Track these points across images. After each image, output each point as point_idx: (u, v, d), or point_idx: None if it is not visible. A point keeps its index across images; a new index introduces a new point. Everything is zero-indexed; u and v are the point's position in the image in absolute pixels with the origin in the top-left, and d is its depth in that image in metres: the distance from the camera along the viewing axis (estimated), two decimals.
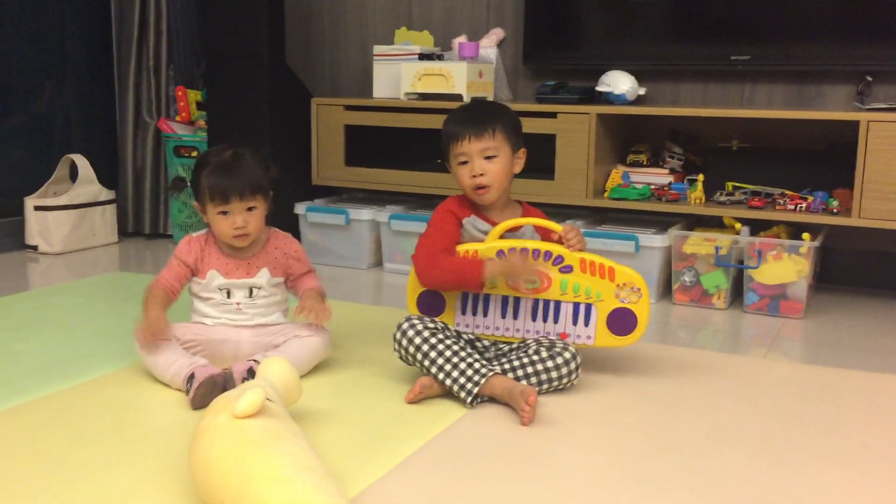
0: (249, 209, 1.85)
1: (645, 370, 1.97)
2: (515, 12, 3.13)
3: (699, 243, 2.54)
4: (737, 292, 2.61)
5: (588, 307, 1.85)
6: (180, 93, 3.44)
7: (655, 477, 1.43)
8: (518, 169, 1.91)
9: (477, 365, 1.72)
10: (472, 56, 2.97)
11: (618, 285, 1.83)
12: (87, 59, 3.50)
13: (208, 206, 1.86)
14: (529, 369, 1.76)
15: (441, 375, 1.72)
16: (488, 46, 3.10)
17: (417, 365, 1.77)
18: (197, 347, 1.86)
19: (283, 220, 2.88)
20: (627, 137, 2.93)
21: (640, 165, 2.83)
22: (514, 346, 1.86)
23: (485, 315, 1.88)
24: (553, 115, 2.74)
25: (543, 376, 1.76)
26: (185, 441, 1.39)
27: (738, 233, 2.54)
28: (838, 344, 2.24)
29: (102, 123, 3.56)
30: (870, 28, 2.60)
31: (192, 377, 1.71)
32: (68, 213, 3.22)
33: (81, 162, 3.31)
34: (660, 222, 2.82)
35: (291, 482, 1.14)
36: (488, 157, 1.84)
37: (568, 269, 1.84)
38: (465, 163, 1.85)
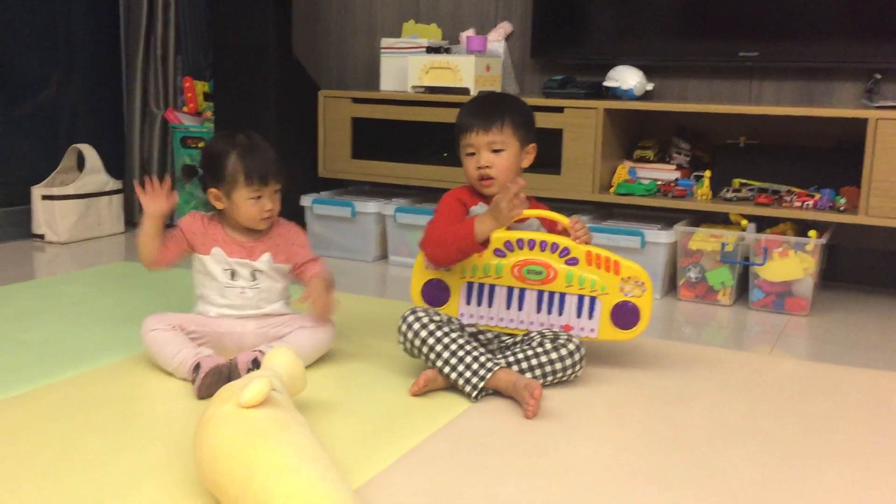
0: (276, 192, 1.88)
1: (650, 365, 1.97)
2: (523, 6, 3.13)
3: (705, 239, 2.54)
4: (742, 289, 2.61)
5: (592, 300, 1.85)
6: (188, 84, 3.45)
7: (659, 471, 1.43)
8: (526, 164, 1.91)
9: (482, 359, 1.72)
10: (480, 50, 2.96)
11: (622, 279, 1.83)
12: (95, 49, 3.50)
13: (239, 191, 1.85)
14: (534, 361, 1.76)
15: (446, 369, 1.72)
16: (496, 40, 3.10)
17: (422, 358, 1.77)
18: (201, 339, 1.86)
19: (289, 212, 2.86)
20: (634, 133, 2.93)
21: (647, 161, 2.83)
22: (519, 339, 1.86)
23: (489, 306, 1.88)
24: (560, 109, 2.73)
25: (547, 368, 1.76)
26: (190, 430, 1.39)
27: (744, 229, 2.53)
28: (844, 341, 2.24)
29: (110, 114, 3.57)
30: (879, 25, 2.59)
31: (197, 367, 1.71)
32: (75, 203, 3.23)
33: (89, 152, 3.32)
34: (666, 218, 2.81)
35: (296, 472, 1.14)
36: (495, 151, 1.85)
37: (573, 262, 1.84)
38: (472, 154, 1.87)
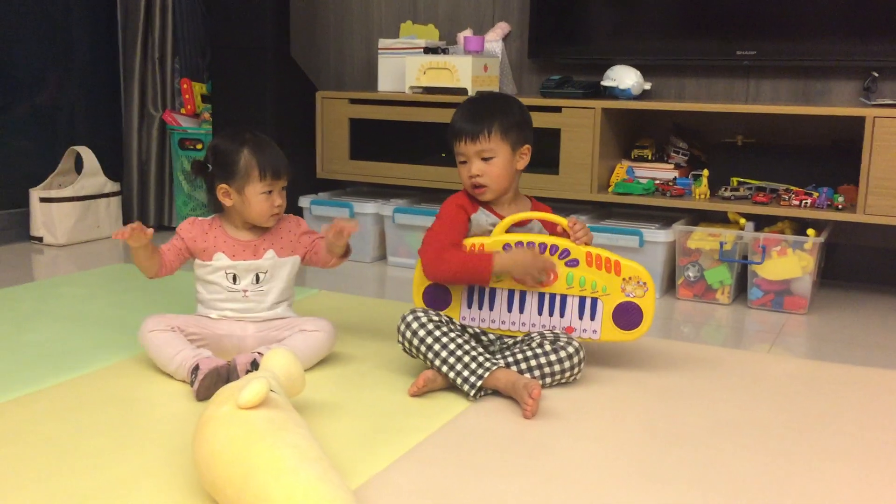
0: (283, 188, 1.90)
1: (648, 365, 1.97)
2: (521, 6, 3.13)
3: (703, 238, 2.54)
4: (741, 288, 2.61)
5: (594, 301, 1.85)
6: (185, 85, 3.45)
7: (658, 470, 1.43)
8: (521, 166, 1.88)
9: (481, 358, 1.72)
10: (478, 50, 2.96)
11: (623, 279, 1.83)
12: (93, 50, 3.50)
13: (252, 185, 1.85)
14: (533, 362, 1.76)
15: (445, 368, 1.72)
16: (493, 40, 3.10)
17: (421, 358, 1.77)
18: (201, 342, 1.86)
19: (288, 213, 2.88)
20: (632, 132, 2.93)
21: (645, 160, 2.83)
22: (519, 339, 1.86)
23: (491, 308, 1.88)
24: (558, 109, 2.74)
25: (547, 370, 1.76)
26: (188, 432, 1.39)
27: (742, 228, 2.53)
28: (842, 340, 2.24)
29: (107, 115, 3.57)
30: (876, 24, 2.59)
31: (196, 368, 1.71)
32: (73, 205, 3.23)
33: (86, 154, 3.32)
34: (664, 217, 2.82)
35: (295, 473, 1.14)
36: (485, 159, 1.83)
37: (574, 263, 1.84)
38: (464, 162, 1.86)
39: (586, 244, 1.84)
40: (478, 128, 1.82)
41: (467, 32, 3.15)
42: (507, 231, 1.85)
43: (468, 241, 1.85)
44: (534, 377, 1.75)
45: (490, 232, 1.86)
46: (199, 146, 3.34)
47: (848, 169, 2.51)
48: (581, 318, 1.85)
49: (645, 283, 1.83)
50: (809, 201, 2.50)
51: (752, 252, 2.48)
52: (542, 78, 3.03)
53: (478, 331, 1.88)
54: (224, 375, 1.70)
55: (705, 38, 2.84)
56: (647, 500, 1.33)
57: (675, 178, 2.74)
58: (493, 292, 1.87)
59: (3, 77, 3.19)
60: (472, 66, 2.86)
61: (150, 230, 1.83)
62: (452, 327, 1.79)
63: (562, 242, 1.83)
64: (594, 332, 1.86)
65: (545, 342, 1.79)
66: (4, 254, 3.07)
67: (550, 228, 1.92)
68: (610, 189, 2.76)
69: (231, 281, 1.89)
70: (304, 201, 3.08)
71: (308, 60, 3.50)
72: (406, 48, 3.07)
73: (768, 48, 2.72)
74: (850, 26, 2.64)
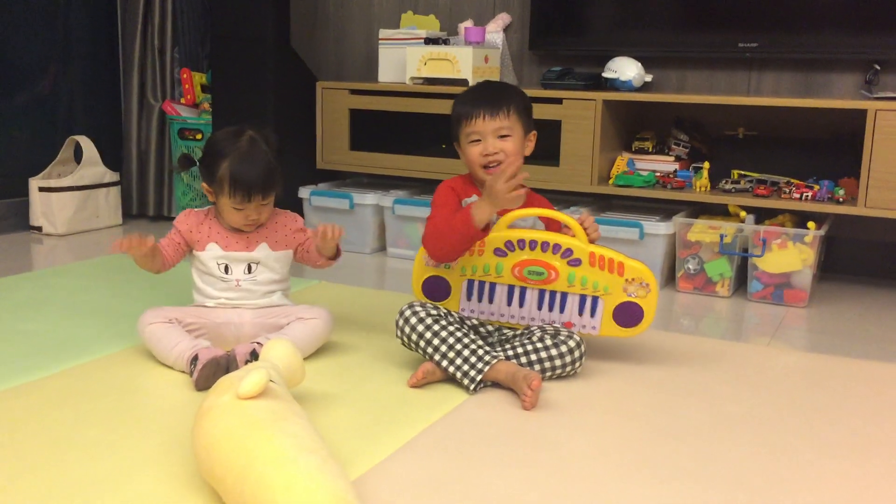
0: (263, 204, 1.88)
1: (648, 357, 1.97)
2: None
3: (704, 231, 2.54)
4: (741, 280, 2.61)
5: (595, 299, 1.83)
6: (185, 75, 3.44)
7: (657, 463, 1.43)
8: (528, 152, 1.89)
9: (480, 352, 1.72)
10: (478, 41, 2.95)
11: (626, 280, 1.81)
12: (93, 40, 3.49)
13: (224, 198, 1.86)
14: (533, 356, 1.76)
15: (444, 363, 1.72)
16: (494, 31, 3.09)
17: (419, 351, 1.76)
18: (199, 330, 1.86)
19: (287, 203, 2.87)
20: (633, 124, 2.92)
21: (646, 152, 2.83)
22: (519, 332, 1.86)
23: (490, 301, 1.87)
24: (559, 101, 2.73)
25: (547, 364, 1.76)
26: (188, 422, 1.39)
27: (742, 221, 2.53)
28: (842, 333, 2.24)
29: (107, 105, 3.56)
30: (879, 16, 2.58)
31: (195, 359, 1.71)
32: (72, 195, 3.22)
33: (86, 143, 3.31)
34: (664, 210, 2.81)
35: (295, 463, 1.14)
36: (502, 136, 1.82)
37: (576, 263, 1.82)
38: (477, 141, 1.83)
39: (593, 241, 1.83)
40: (498, 105, 1.81)
41: (468, 23, 3.14)
42: (508, 227, 1.84)
43: None
44: (534, 370, 1.74)
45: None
46: (199, 136, 3.33)
47: (849, 162, 2.50)
48: (581, 314, 1.84)
49: (648, 284, 1.81)
50: (810, 194, 2.50)
51: (753, 245, 2.48)
52: (543, 69, 3.02)
53: (476, 322, 1.88)
54: (223, 365, 1.70)
55: (707, 29, 2.83)
56: (645, 493, 1.33)
57: (675, 171, 2.74)
58: (492, 286, 1.86)
59: (3, 66, 3.18)
60: (473, 57, 2.86)
61: (150, 239, 1.84)
62: (451, 319, 1.78)
63: (564, 241, 1.81)
64: (593, 328, 1.85)
65: (546, 336, 1.78)
66: (3, 243, 3.06)
67: (551, 225, 1.91)
68: (610, 181, 2.75)
69: (223, 271, 1.90)
70: (303, 192, 3.08)
71: (308, 50, 3.49)
72: (407, 39, 3.06)
73: (770, 40, 2.71)
74: (853, 19, 2.63)
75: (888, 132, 2.36)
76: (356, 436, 1.50)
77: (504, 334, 1.88)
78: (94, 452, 1.41)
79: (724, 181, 2.65)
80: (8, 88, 3.22)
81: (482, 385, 1.72)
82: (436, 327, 1.74)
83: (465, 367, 1.70)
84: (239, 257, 1.90)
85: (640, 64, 2.78)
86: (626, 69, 2.77)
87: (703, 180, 2.63)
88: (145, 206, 3.53)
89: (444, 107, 2.84)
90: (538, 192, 1.98)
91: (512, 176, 1.67)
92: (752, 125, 2.78)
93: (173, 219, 3.43)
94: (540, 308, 1.85)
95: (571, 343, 1.77)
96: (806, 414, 1.66)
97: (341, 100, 3.09)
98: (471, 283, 1.87)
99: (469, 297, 1.88)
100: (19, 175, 3.24)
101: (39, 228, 3.22)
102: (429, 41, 3.02)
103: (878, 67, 2.65)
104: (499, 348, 1.79)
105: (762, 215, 2.59)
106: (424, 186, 3.18)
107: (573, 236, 1.82)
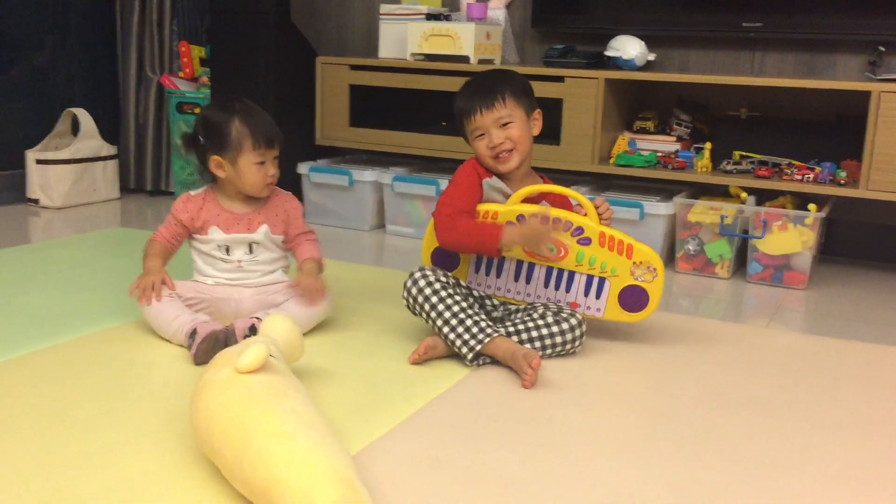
0: (276, 158, 1.88)
1: (647, 338, 1.97)
2: None
3: (704, 212, 2.53)
4: (740, 262, 2.61)
5: (601, 280, 1.83)
6: (184, 48, 3.40)
7: (655, 442, 1.43)
8: (536, 131, 1.89)
9: (483, 324, 1.71)
10: (481, 17, 2.93)
11: (634, 263, 1.81)
12: (90, 12, 3.45)
13: (245, 156, 1.84)
14: (534, 333, 1.75)
15: (446, 329, 1.72)
16: (497, 8, 3.06)
17: (424, 316, 1.76)
18: (199, 305, 1.86)
19: (286, 180, 2.85)
20: (635, 104, 2.91)
21: (647, 132, 2.81)
22: (522, 308, 1.86)
23: (498, 276, 1.87)
24: (560, 79, 2.71)
25: (548, 341, 1.76)
26: (186, 396, 1.39)
27: (743, 202, 2.52)
28: (841, 315, 2.24)
29: (105, 78, 3.53)
30: None
31: (194, 333, 1.70)
32: (70, 168, 3.20)
33: (83, 116, 3.28)
34: (665, 190, 2.80)
35: (293, 438, 1.13)
36: (504, 125, 1.82)
37: (586, 242, 1.82)
38: (481, 135, 1.84)
39: (606, 221, 1.84)
40: (491, 95, 1.82)
41: None
42: (523, 202, 1.83)
43: (482, 207, 1.83)
44: (534, 348, 1.74)
45: (501, 200, 1.85)
46: (198, 110, 3.31)
47: (851, 144, 2.49)
48: (587, 295, 1.84)
49: (655, 269, 1.81)
50: (812, 176, 2.49)
51: (753, 226, 2.47)
52: (545, 47, 3.00)
53: (483, 294, 1.87)
54: (222, 340, 1.69)
55: (711, 9, 2.80)
56: (643, 471, 1.33)
57: (677, 151, 2.72)
58: (501, 261, 1.86)
59: (0, 37, 3.15)
60: (475, 34, 2.83)
61: (163, 277, 1.84)
62: (459, 290, 1.78)
63: (576, 219, 1.81)
64: (598, 310, 1.85)
65: (548, 313, 1.78)
66: (0, 216, 3.05)
67: (562, 203, 1.90)
68: (611, 161, 2.74)
69: (225, 252, 1.89)
70: (302, 168, 3.06)
71: (308, 25, 3.46)
72: (408, 14, 3.03)
73: (774, 20, 2.69)
74: (858, 0, 2.60)
75: (891, 114, 2.35)
76: (355, 412, 1.49)
77: (508, 309, 1.88)
78: (91, 426, 1.40)
79: (725, 162, 2.64)
80: (5, 60, 3.19)
81: (481, 359, 1.72)
82: (443, 293, 1.74)
83: (466, 337, 1.70)
84: (240, 239, 1.89)
85: (643, 43, 2.76)
86: (628, 48, 2.75)
87: (704, 161, 2.61)
88: (143, 180, 3.51)
89: (444, 84, 2.82)
90: (539, 171, 1.98)
91: (557, 247, 1.78)
92: (754, 106, 2.76)
93: (171, 193, 3.47)
94: (546, 286, 1.85)
95: (573, 321, 1.77)
96: (803, 395, 1.66)
97: (341, 75, 3.06)
98: (480, 255, 1.87)
99: (477, 270, 1.88)
100: (16, 147, 3.22)
101: (36, 201, 3.20)
102: (430, 17, 2.99)
103: (882, 49, 2.63)
104: (500, 325, 1.79)
105: (763, 197, 2.58)
106: (424, 163, 3.16)
107: (585, 215, 1.81)
